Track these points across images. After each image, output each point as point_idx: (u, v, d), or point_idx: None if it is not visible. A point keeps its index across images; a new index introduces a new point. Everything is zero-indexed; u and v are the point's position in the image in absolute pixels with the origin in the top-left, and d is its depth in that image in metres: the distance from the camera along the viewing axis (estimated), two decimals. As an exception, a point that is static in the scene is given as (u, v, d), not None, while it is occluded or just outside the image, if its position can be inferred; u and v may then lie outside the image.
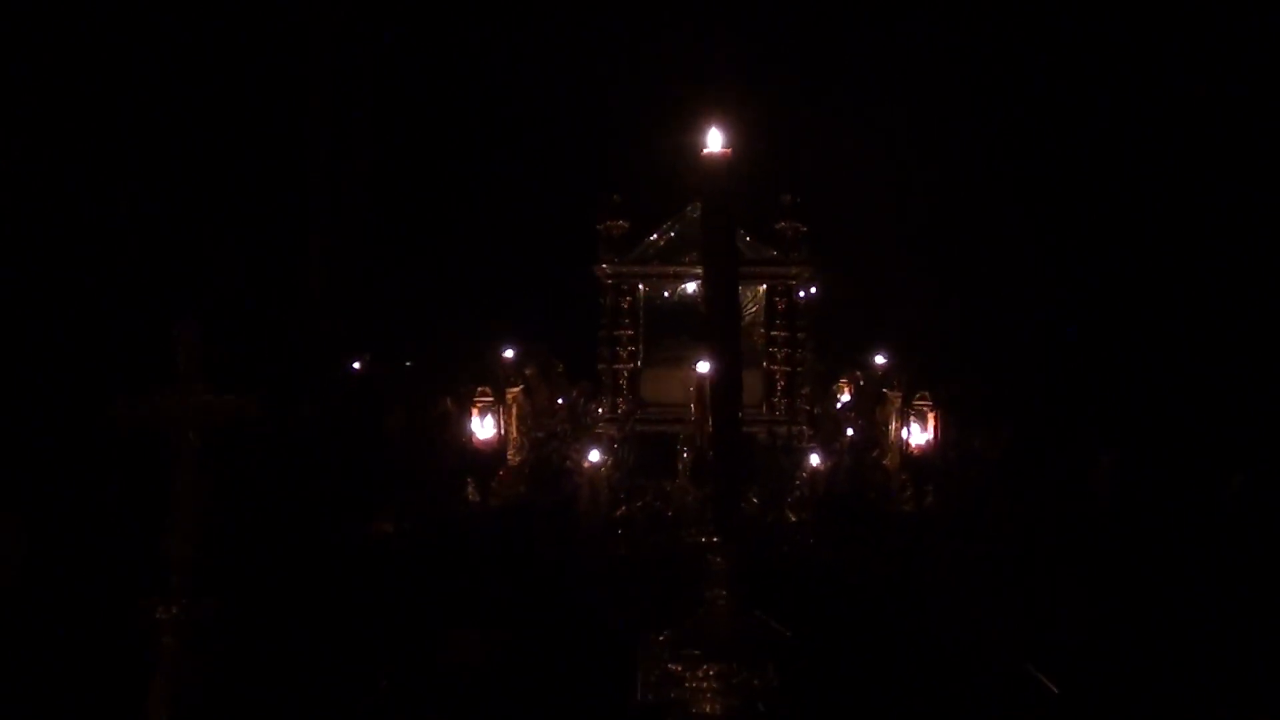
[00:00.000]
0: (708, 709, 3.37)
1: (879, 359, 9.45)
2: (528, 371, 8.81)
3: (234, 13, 11.09)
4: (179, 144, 10.68)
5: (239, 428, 3.75)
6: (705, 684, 3.39)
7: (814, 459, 7.81)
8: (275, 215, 11.89)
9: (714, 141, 3.52)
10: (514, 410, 8.25)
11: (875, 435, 8.60)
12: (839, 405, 9.64)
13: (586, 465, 7.53)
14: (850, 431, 8.84)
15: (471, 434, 8.01)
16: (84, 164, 9.76)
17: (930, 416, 8.13)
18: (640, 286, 8.78)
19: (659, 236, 8.77)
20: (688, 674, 3.41)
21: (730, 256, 3.51)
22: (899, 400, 8.23)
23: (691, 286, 8.76)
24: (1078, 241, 11.41)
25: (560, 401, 9.24)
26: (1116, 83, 11.39)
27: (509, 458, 8.12)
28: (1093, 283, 11.34)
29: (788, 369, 8.63)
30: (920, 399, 8.13)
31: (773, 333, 8.65)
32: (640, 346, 8.76)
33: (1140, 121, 11.35)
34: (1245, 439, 8.35)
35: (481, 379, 8.11)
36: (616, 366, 8.66)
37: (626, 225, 8.60)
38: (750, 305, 9.10)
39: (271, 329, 10.98)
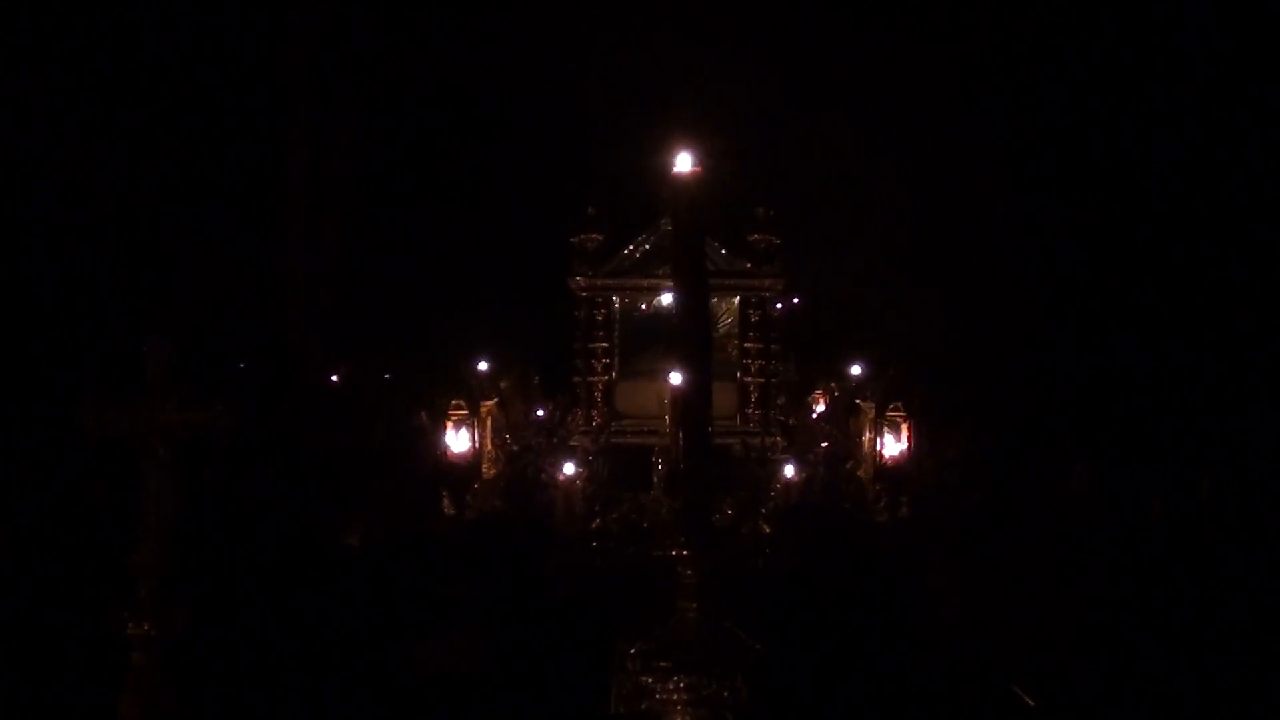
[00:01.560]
0: (678, 721, 3.39)
1: (854, 370, 9.47)
2: (503, 384, 8.80)
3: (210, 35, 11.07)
4: (162, 155, 10.67)
5: (212, 440, 3.74)
6: (676, 696, 3.40)
7: (788, 470, 7.83)
8: (255, 228, 11.88)
9: (683, 162, 3.53)
10: (489, 423, 8.25)
11: (849, 446, 8.63)
12: (814, 416, 9.66)
13: (561, 478, 7.54)
14: (824, 442, 8.85)
15: (446, 447, 8.01)
16: (63, 173, 9.73)
17: (904, 427, 8.18)
18: (615, 299, 8.80)
19: (633, 249, 8.78)
20: (659, 686, 3.42)
21: (701, 275, 3.53)
22: (872, 411, 8.26)
23: (666, 299, 8.76)
24: (1050, 254, 11.49)
25: (539, 413, 9.23)
26: (1082, 103, 11.49)
27: (484, 470, 8.11)
28: (1066, 294, 11.42)
29: (761, 380, 8.64)
30: (893, 409, 8.17)
31: (746, 345, 8.65)
32: (615, 359, 8.78)
33: (1115, 136, 11.45)
34: (1213, 445, 8.44)
35: (456, 392, 8.11)
36: (591, 379, 8.66)
37: (600, 238, 8.61)
38: (725, 317, 9.13)
39: (250, 342, 10.97)
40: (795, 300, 9.57)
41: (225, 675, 4.68)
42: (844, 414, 9.05)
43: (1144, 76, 11.27)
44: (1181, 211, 10.94)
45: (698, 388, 3.43)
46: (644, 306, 9.01)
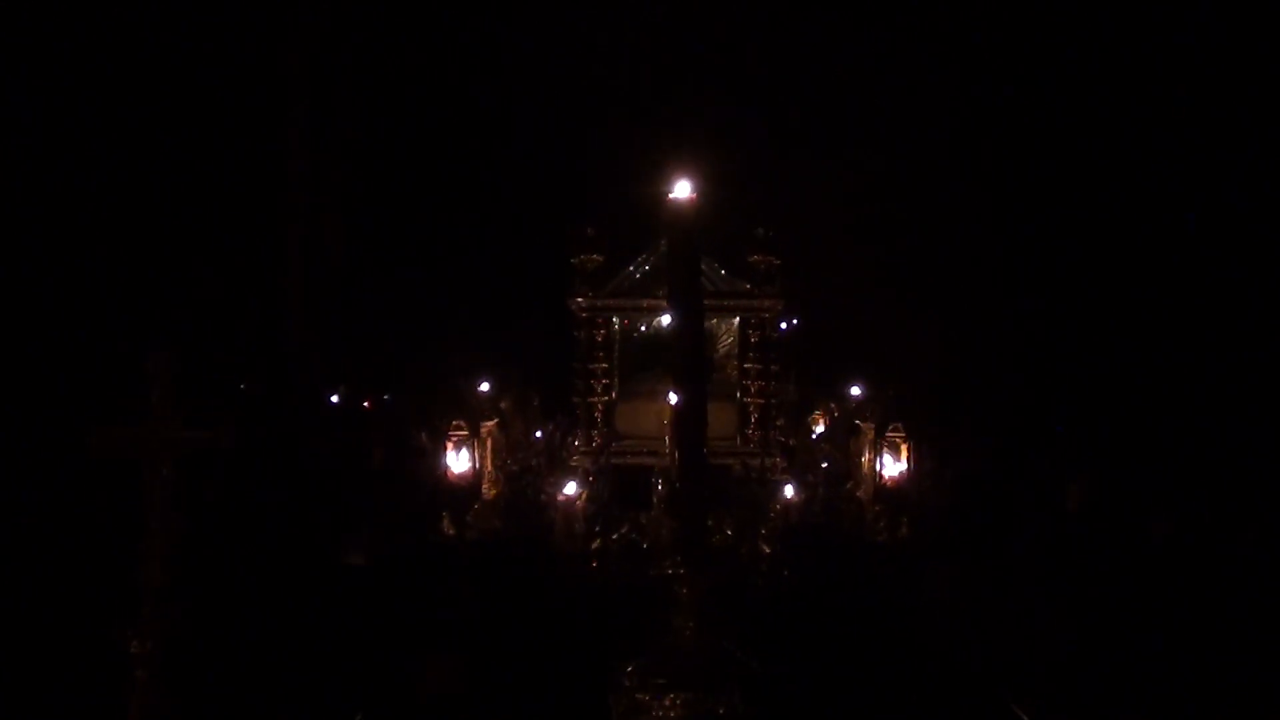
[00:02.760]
0: (674, 738, 3.41)
1: (853, 390, 9.48)
2: (503, 405, 8.82)
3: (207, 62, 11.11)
4: (162, 167, 10.69)
5: (214, 459, 3.78)
6: (673, 712, 3.43)
7: (788, 490, 7.85)
8: (255, 247, 11.90)
9: (680, 188, 3.58)
10: (489, 444, 8.27)
11: (849, 466, 8.64)
12: (814, 436, 9.68)
13: (561, 498, 7.55)
14: (825, 463, 8.87)
15: (446, 468, 8.04)
16: (62, 181, 9.74)
17: (903, 447, 8.20)
18: (614, 320, 8.83)
19: (633, 270, 8.81)
20: (655, 703, 3.45)
21: (696, 298, 3.58)
22: (872, 431, 8.28)
23: (667, 319, 8.77)
24: (1047, 273, 11.51)
25: (538, 434, 9.25)
26: (1082, 114, 11.51)
27: (484, 491, 8.12)
28: (1063, 312, 11.44)
29: (761, 401, 8.66)
30: (893, 430, 8.19)
31: (746, 365, 8.67)
32: (615, 379, 8.80)
33: (1112, 160, 11.47)
34: (1211, 460, 8.46)
35: (456, 413, 8.13)
36: (591, 399, 8.69)
37: (600, 259, 8.64)
38: (725, 338, 9.17)
39: (250, 362, 10.99)
40: (794, 321, 9.60)
41: (228, 691, 4.70)
42: (844, 435, 9.06)
43: (1145, 95, 11.31)
44: (1181, 230, 10.96)
45: (693, 408, 3.47)
46: (644, 327, 9.04)
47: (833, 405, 9.77)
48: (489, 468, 8.24)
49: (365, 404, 11.02)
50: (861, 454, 8.41)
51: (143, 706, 3.51)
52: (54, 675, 4.91)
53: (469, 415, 8.14)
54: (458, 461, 8.03)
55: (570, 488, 7.58)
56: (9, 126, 9.62)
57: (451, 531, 7.76)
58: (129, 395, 3.66)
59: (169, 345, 3.71)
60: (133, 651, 3.53)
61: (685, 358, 3.47)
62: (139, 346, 3.71)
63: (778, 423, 8.89)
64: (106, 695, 3.66)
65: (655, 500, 7.63)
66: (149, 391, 3.57)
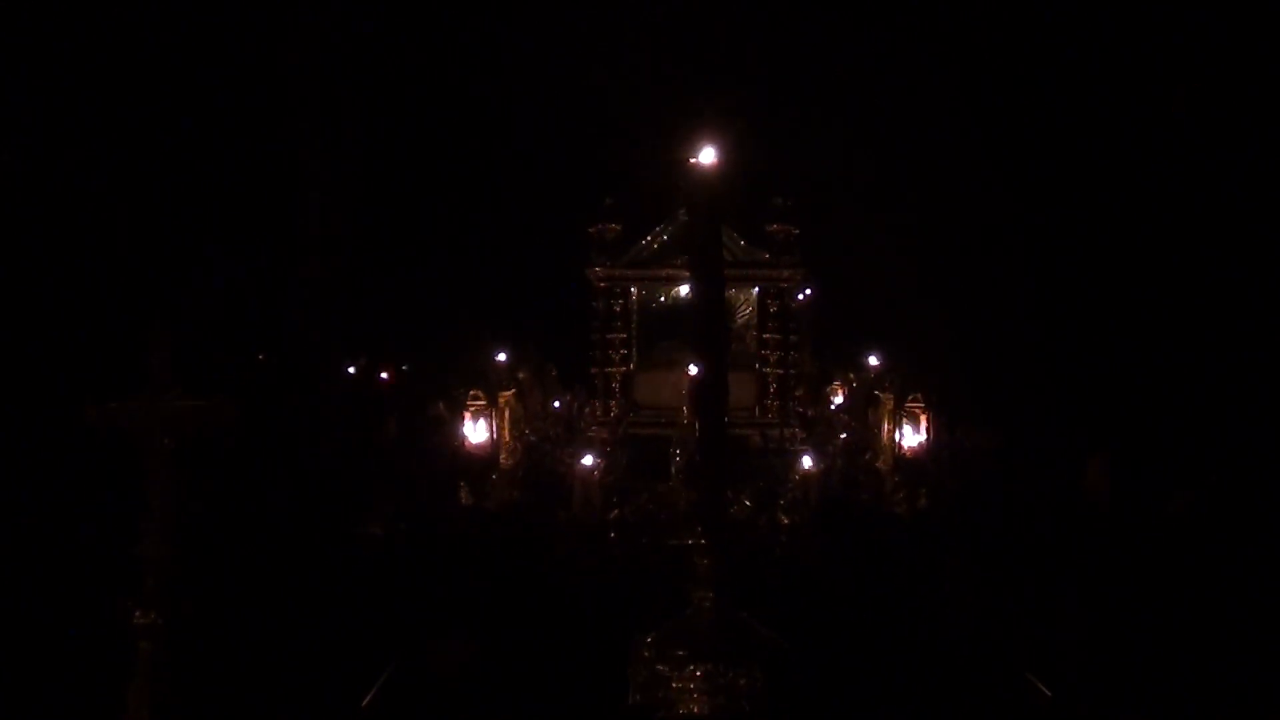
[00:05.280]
0: (694, 709, 3.39)
1: (872, 361, 9.44)
2: (521, 375, 8.80)
3: (225, 15, 11.06)
4: (173, 151, 10.66)
5: (224, 431, 3.74)
6: (691, 684, 3.41)
7: (807, 461, 7.82)
8: (268, 220, 11.87)
9: (706, 155, 3.54)
10: (506, 414, 8.25)
11: (868, 437, 8.61)
12: (833, 407, 9.64)
13: (579, 468, 7.53)
14: (844, 434, 8.84)
15: (464, 438, 8.03)
16: (72, 167, 9.73)
17: (922, 418, 8.17)
18: (633, 290, 8.79)
19: (651, 240, 8.77)
20: (674, 675, 3.43)
21: (717, 263, 3.53)
22: (891, 402, 8.24)
23: (684, 289, 8.74)
24: (1068, 244, 11.41)
25: (556, 405, 9.24)
26: (1104, 89, 11.38)
27: (502, 461, 8.11)
28: (1083, 285, 11.34)
29: (780, 371, 8.63)
30: (912, 401, 8.16)
31: (765, 335, 8.63)
32: (633, 349, 8.78)
33: (1133, 127, 11.35)
34: (1230, 438, 8.39)
35: (474, 383, 8.11)
36: (609, 370, 8.67)
37: (618, 229, 8.61)
38: (744, 309, 9.13)
39: (264, 333, 10.99)
40: (809, 291, 9.55)
41: (232, 664, 4.69)
42: (863, 405, 9.03)
43: (1158, 83, 11.17)
44: (1203, 208, 10.84)
45: (713, 379, 3.43)
46: (661, 297, 9.01)
47: (851, 376, 9.74)
48: (507, 438, 8.22)
49: (383, 375, 11.01)
50: (880, 425, 8.38)
51: (146, 677, 3.49)
52: (58, 647, 4.91)
53: (487, 385, 8.13)
54: (475, 432, 8.02)
55: (588, 458, 7.55)
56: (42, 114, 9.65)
57: (469, 501, 7.75)
58: (138, 372, 3.63)
59: (172, 318, 3.67)
60: (136, 623, 3.52)
61: (706, 325, 3.42)
62: (147, 321, 3.68)
63: (797, 393, 8.85)
64: (111, 666, 3.65)
65: (673, 471, 7.60)
66: (148, 364, 3.53)
